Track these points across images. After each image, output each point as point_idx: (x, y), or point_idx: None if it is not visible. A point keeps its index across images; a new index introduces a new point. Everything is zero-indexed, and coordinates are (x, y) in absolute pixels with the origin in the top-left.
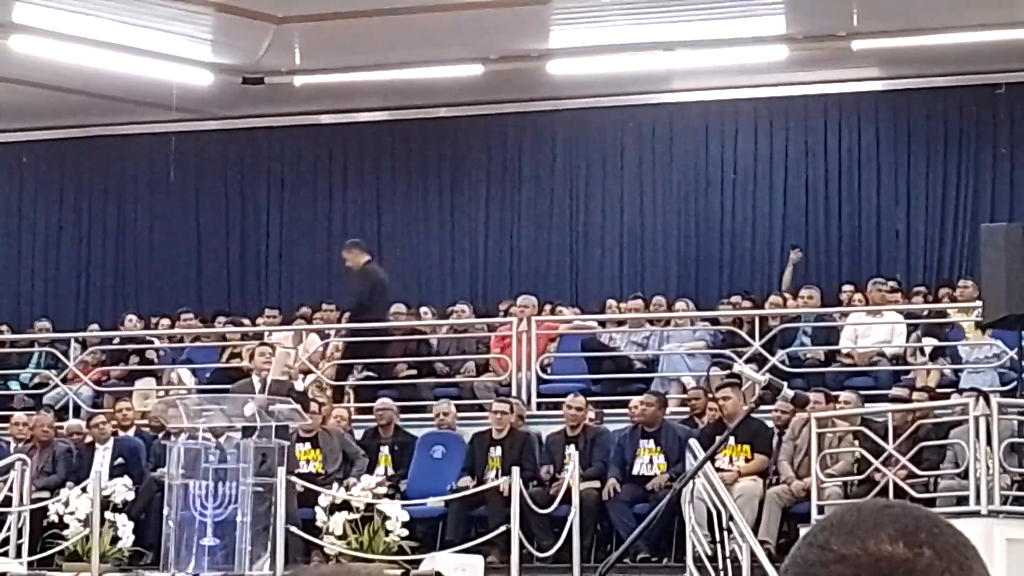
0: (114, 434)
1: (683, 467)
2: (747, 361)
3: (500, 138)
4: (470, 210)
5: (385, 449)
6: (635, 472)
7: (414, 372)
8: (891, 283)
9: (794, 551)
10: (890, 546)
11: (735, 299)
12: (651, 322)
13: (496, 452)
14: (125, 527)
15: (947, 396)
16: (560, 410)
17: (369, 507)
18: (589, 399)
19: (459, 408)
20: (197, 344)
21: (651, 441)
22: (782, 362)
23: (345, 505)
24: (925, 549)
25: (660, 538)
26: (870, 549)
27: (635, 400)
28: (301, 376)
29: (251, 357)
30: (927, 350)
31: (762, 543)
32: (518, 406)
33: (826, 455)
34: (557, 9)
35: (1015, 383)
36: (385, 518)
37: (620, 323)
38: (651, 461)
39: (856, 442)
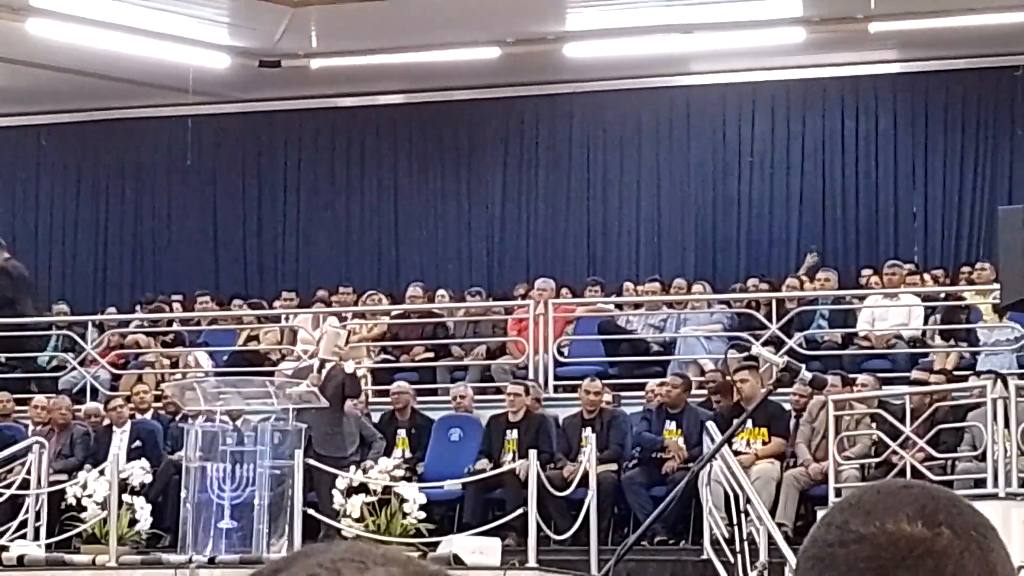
0: (131, 417)
1: (701, 450)
2: (764, 344)
3: (517, 121)
4: (487, 193)
5: (402, 432)
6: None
7: (431, 355)
8: (908, 266)
9: (813, 531)
10: (909, 526)
11: (752, 282)
12: (668, 305)
13: (513, 435)
14: (143, 510)
15: (965, 379)
16: (577, 393)
17: (386, 490)
18: (606, 382)
19: (476, 391)
20: (214, 327)
21: (673, 423)
22: (799, 345)
23: (362, 488)
24: (944, 529)
25: (677, 521)
26: (888, 529)
27: (652, 383)
28: (352, 358)
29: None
30: (946, 333)
31: (779, 526)
32: (535, 389)
33: (843, 438)
34: None
35: None
36: (402, 501)
37: (637, 306)
38: None
39: (873, 425)
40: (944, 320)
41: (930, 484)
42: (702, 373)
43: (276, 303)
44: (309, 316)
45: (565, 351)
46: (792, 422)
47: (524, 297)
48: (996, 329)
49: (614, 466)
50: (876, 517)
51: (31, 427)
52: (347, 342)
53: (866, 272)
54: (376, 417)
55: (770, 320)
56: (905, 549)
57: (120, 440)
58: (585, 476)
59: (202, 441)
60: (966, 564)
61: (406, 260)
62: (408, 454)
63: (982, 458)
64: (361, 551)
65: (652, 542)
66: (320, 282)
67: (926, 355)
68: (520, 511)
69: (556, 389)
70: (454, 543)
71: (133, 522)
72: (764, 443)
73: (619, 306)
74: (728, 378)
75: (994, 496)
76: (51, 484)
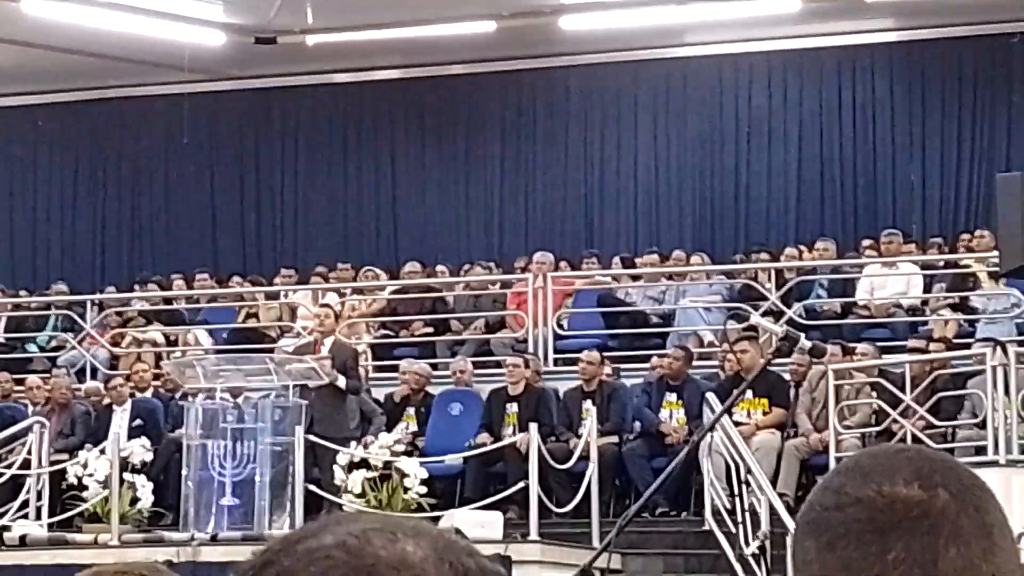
0: (132, 396)
1: (702, 422)
2: (763, 314)
3: (514, 94)
4: (485, 167)
5: (411, 410)
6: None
7: (430, 330)
8: (905, 236)
9: (811, 496)
10: (905, 488)
11: (755, 255)
12: (668, 277)
13: (513, 408)
14: (144, 488)
15: (964, 347)
16: (577, 366)
17: (387, 465)
18: (606, 354)
19: (476, 365)
20: (213, 305)
21: (674, 395)
22: (799, 315)
23: (363, 463)
24: (940, 491)
25: (678, 492)
26: (885, 492)
27: (654, 356)
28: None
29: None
30: (949, 301)
31: (781, 496)
32: (534, 362)
33: (844, 407)
34: None
35: None
36: (403, 476)
37: (635, 278)
38: (671, 415)
39: (874, 394)
40: (950, 288)
41: (926, 448)
42: (701, 344)
43: (275, 280)
44: (308, 292)
45: (564, 324)
46: (792, 392)
47: (523, 271)
48: (995, 297)
49: (615, 438)
50: (873, 480)
51: (31, 407)
52: (338, 317)
53: (865, 242)
54: (378, 392)
55: (769, 290)
56: (902, 511)
57: (120, 419)
58: (586, 449)
59: (203, 419)
60: (963, 525)
61: (404, 235)
62: (415, 428)
63: (982, 426)
64: (392, 523)
65: (653, 513)
66: (318, 258)
67: (925, 323)
68: (521, 484)
69: (556, 362)
70: (456, 517)
71: (134, 500)
72: (764, 413)
73: (617, 278)
74: (728, 347)
75: (995, 463)
76: (52, 464)
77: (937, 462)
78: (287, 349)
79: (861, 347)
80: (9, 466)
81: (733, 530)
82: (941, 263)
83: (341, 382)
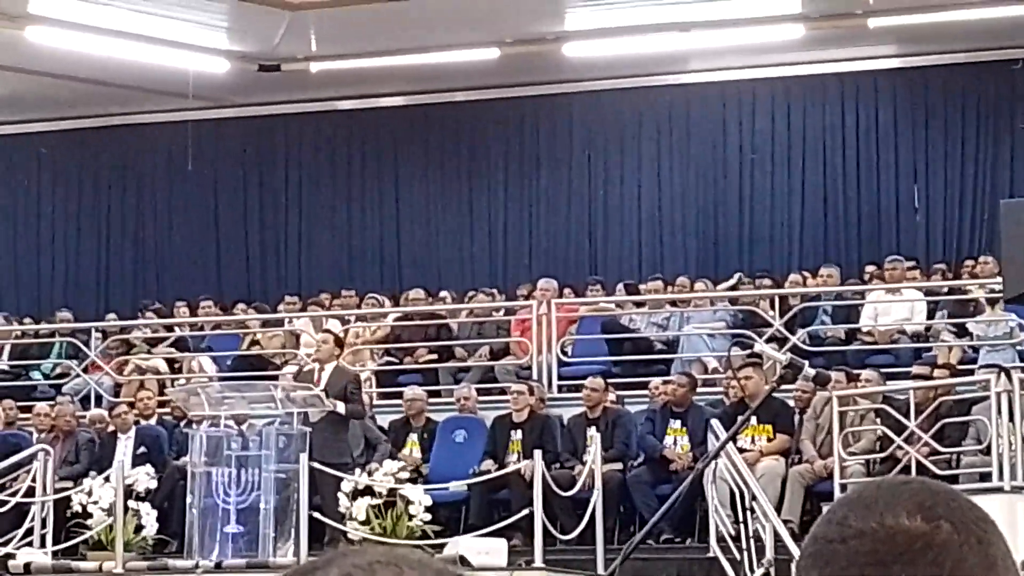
0: (136, 423)
1: (707, 448)
2: (767, 341)
3: (517, 121)
4: (488, 194)
5: (414, 436)
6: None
7: (435, 357)
8: (909, 263)
9: (814, 528)
10: (908, 520)
11: (758, 281)
12: (672, 303)
13: (517, 435)
14: (149, 516)
15: (968, 373)
16: (581, 392)
17: (392, 492)
18: (610, 381)
19: (480, 392)
20: (217, 332)
21: (678, 421)
22: (802, 341)
23: (368, 490)
24: (943, 523)
25: (683, 519)
26: (888, 524)
27: (656, 381)
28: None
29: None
30: (951, 328)
31: (785, 522)
32: (539, 389)
33: (848, 433)
34: None
35: None
36: (408, 503)
37: (639, 305)
38: (675, 442)
39: (878, 420)
40: (952, 315)
41: (930, 479)
42: (705, 371)
43: (279, 307)
44: (311, 319)
45: (568, 351)
46: (796, 418)
47: (527, 298)
48: (997, 323)
49: (619, 465)
50: (875, 512)
51: (36, 434)
52: (340, 343)
53: (869, 268)
54: (383, 419)
55: (773, 317)
56: (904, 543)
57: (125, 446)
58: (590, 475)
59: (207, 446)
60: (966, 558)
61: (408, 262)
62: (419, 455)
63: (987, 452)
64: (397, 555)
65: (658, 540)
66: (322, 285)
67: (929, 350)
68: (526, 511)
69: (560, 389)
70: (460, 544)
71: (139, 528)
72: (769, 440)
73: (620, 305)
74: (732, 375)
75: (999, 490)
76: (56, 491)
77: (940, 494)
78: (288, 377)
79: (865, 374)
80: (14, 494)
81: (738, 557)
82: (945, 289)
83: (340, 408)
